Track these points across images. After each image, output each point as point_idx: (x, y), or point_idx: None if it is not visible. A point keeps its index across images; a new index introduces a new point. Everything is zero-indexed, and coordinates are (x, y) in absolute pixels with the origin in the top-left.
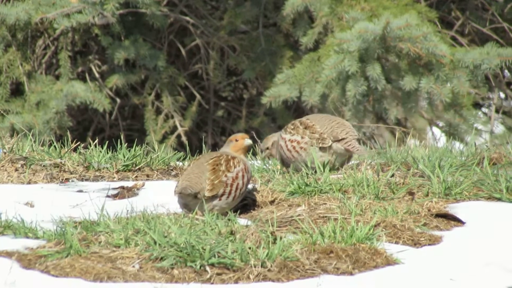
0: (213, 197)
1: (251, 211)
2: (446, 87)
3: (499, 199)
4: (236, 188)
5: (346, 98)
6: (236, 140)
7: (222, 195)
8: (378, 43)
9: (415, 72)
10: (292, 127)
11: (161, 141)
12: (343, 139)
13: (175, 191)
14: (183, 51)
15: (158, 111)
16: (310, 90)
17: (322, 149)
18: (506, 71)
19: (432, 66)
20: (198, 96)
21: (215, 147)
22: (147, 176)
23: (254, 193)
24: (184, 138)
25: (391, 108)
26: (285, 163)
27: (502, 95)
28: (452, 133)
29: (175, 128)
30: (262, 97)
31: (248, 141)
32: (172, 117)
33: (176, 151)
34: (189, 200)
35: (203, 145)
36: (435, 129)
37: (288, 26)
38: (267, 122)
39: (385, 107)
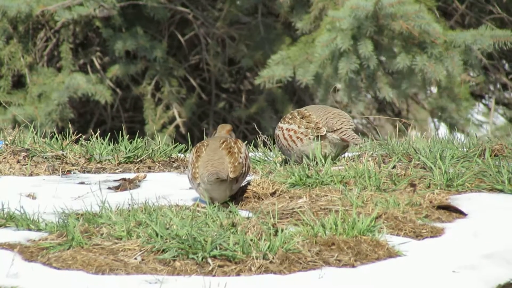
0: (234, 179)
1: (252, 203)
2: (439, 66)
3: (501, 191)
4: (248, 166)
5: (338, 77)
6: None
7: (241, 174)
8: (370, 21)
9: (408, 51)
10: (290, 116)
11: (159, 131)
12: (338, 129)
13: (202, 178)
14: (183, 42)
15: (158, 102)
16: (304, 70)
17: (318, 138)
18: (505, 63)
19: (426, 44)
20: (197, 87)
21: None
22: (149, 168)
23: (255, 184)
24: (182, 129)
25: (384, 87)
26: (283, 153)
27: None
28: (453, 124)
29: (174, 118)
30: (256, 78)
31: None
32: (171, 107)
33: (178, 143)
34: (219, 185)
35: (205, 137)
36: (436, 120)
37: (286, 14)
38: (266, 108)
39: (378, 87)
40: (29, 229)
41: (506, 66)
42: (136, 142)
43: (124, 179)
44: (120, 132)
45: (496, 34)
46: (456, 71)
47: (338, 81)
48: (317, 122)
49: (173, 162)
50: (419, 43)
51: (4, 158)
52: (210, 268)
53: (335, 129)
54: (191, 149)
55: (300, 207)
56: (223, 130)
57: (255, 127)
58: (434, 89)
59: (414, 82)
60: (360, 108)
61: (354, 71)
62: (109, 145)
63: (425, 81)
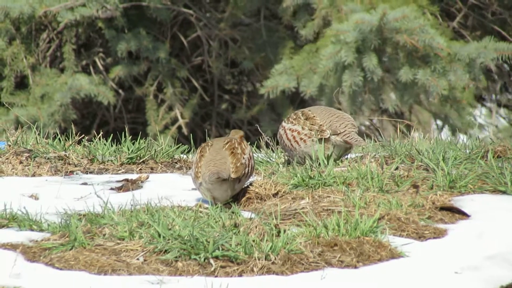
0: (237, 179)
1: (255, 203)
2: (442, 80)
3: (504, 192)
4: (251, 167)
5: (342, 89)
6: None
7: (243, 175)
8: (374, 35)
9: (411, 64)
10: (294, 116)
11: (162, 132)
12: (341, 132)
13: (204, 177)
14: (185, 43)
15: (160, 103)
16: (308, 80)
17: (321, 141)
18: (505, 66)
19: (429, 58)
20: (199, 88)
21: None
22: (151, 168)
23: (258, 185)
24: (185, 130)
25: (388, 99)
26: (285, 153)
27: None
28: (455, 126)
29: (176, 119)
30: (260, 88)
31: None
32: (174, 108)
33: (180, 143)
34: (220, 185)
35: (207, 138)
36: (439, 122)
37: (289, 18)
38: (266, 110)
39: (381, 98)
40: (32, 230)
41: (507, 68)
42: (139, 143)
43: (127, 180)
44: (123, 133)
45: (500, 47)
46: (458, 84)
47: (342, 93)
48: (321, 125)
49: (176, 163)
50: (423, 56)
51: (6, 158)
52: (212, 269)
53: (338, 132)
54: (194, 150)
55: (303, 208)
56: (236, 135)
57: (258, 128)
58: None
59: (416, 93)
60: (362, 120)
61: (358, 84)
62: (111, 146)
63: (427, 92)
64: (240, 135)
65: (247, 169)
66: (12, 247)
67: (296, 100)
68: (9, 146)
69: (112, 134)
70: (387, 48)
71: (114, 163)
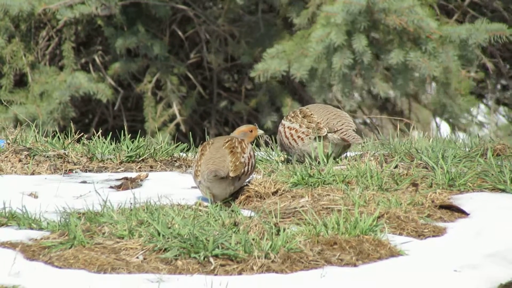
0: (236, 177)
1: (254, 202)
2: (433, 61)
3: (503, 190)
4: (252, 166)
5: (333, 71)
6: (251, 131)
7: (243, 174)
8: (364, 16)
9: (402, 46)
10: (293, 114)
11: (160, 129)
12: (338, 130)
13: (203, 175)
14: (184, 39)
15: (159, 100)
16: (299, 64)
17: (319, 138)
18: (506, 65)
19: (421, 40)
20: (198, 85)
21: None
22: (151, 167)
23: (257, 184)
24: (183, 127)
25: (379, 83)
26: (284, 150)
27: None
28: (455, 123)
29: (174, 116)
30: (251, 71)
31: (261, 131)
32: (172, 105)
33: (180, 142)
34: (219, 182)
35: (206, 136)
36: (438, 119)
37: (285, 11)
38: (265, 103)
39: (373, 81)
40: (31, 228)
41: (507, 66)
42: (138, 141)
43: (126, 178)
44: (122, 131)
45: (491, 28)
46: (451, 65)
47: (333, 76)
48: (318, 122)
49: (175, 161)
50: (414, 38)
51: (6, 157)
52: (212, 267)
53: (335, 130)
54: (193, 148)
55: (302, 206)
56: (247, 129)
57: (256, 125)
58: (433, 86)
59: (409, 77)
60: (354, 103)
61: (348, 66)
62: (111, 144)
63: (421, 77)
64: (241, 130)
65: (246, 168)
66: (12, 245)
67: (295, 95)
68: (8, 144)
69: (111, 132)
70: (377, 30)
71: (113, 162)
